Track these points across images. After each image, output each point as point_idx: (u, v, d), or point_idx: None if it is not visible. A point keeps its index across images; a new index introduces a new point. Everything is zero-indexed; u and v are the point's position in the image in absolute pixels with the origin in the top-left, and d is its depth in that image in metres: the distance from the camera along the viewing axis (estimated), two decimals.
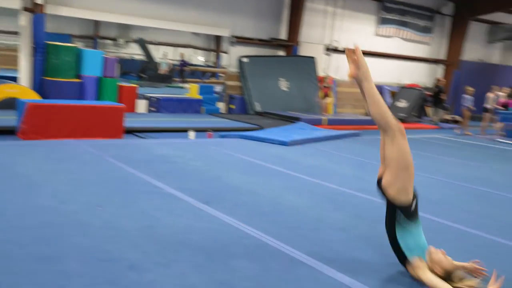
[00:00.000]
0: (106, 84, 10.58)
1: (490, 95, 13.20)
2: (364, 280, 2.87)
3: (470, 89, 12.96)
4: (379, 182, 2.97)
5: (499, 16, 18.32)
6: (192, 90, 12.80)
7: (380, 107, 2.88)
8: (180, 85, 15.06)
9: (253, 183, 5.12)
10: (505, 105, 13.79)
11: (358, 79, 2.93)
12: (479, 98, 13.46)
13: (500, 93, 13.81)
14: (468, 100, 12.90)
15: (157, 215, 3.76)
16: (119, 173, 5.04)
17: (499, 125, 12.91)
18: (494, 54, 19.42)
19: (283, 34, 13.93)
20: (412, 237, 2.88)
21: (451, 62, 17.35)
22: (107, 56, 10.98)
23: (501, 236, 3.98)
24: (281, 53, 14.08)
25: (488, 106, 13.10)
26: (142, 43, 15.22)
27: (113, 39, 15.56)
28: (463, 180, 6.23)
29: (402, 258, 2.90)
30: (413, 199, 2.93)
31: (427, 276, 2.76)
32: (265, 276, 2.84)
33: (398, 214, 2.89)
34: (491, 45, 19.04)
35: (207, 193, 4.53)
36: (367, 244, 3.51)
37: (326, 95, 13.05)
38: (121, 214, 3.72)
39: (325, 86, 13.05)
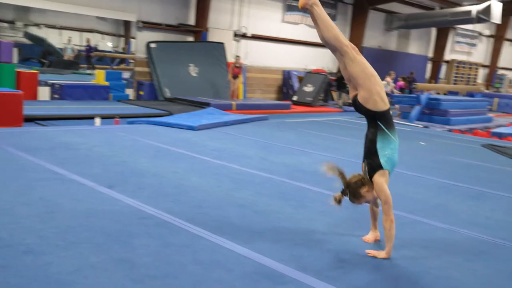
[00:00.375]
0: (2, 70, 9.95)
1: (388, 79, 14.21)
2: (258, 249, 3.09)
3: None
4: (354, 101, 3.18)
5: (395, 6, 19.64)
6: (98, 77, 12.41)
7: (333, 31, 3.10)
8: (88, 71, 14.49)
9: (158, 166, 5.18)
10: (402, 89, 14.93)
11: (309, 5, 3.11)
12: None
13: (389, 79, 14.99)
14: (386, 85, 13.79)
15: (57, 201, 3.72)
16: (17, 161, 4.86)
17: (396, 107, 13.96)
18: (392, 41, 20.79)
19: (191, 20, 13.90)
20: (390, 149, 3.10)
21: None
22: (2, 40, 10.31)
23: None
24: (190, 38, 14.05)
25: (387, 90, 14.10)
26: (30, 36, 14.33)
27: (11, 22, 14.53)
28: (359, 158, 6.70)
29: (375, 167, 3.09)
30: (389, 108, 3.16)
31: (385, 187, 3.06)
32: (165, 251, 2.96)
33: (379, 126, 3.10)
34: (389, 32, 20.37)
35: (110, 178, 4.53)
36: (264, 218, 3.75)
37: (237, 76, 13.22)
38: (17, 201, 3.63)
39: (236, 66, 13.22)
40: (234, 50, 14.70)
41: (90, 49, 15.43)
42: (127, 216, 3.52)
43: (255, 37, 15.34)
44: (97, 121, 8.20)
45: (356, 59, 3.09)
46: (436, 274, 2.93)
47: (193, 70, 13.30)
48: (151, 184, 4.47)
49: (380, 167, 3.09)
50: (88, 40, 15.39)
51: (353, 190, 3.14)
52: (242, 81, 14.24)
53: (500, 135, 11.07)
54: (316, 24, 3.17)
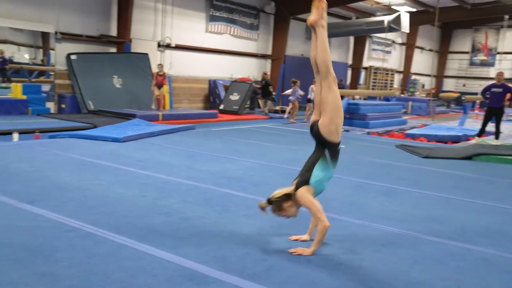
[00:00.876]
0: None
1: (313, 87, 14.80)
2: (183, 253, 3.20)
3: (297, 81, 14.40)
4: (313, 126, 3.38)
5: None
6: (15, 90, 11.88)
7: (327, 55, 3.30)
8: (3, 85, 13.80)
9: (82, 180, 5.13)
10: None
11: (317, 25, 3.32)
12: (304, 89, 14.96)
13: (313, 86, 15.62)
14: (295, 92, 14.27)
15: None
16: None
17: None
18: None
19: (113, 31, 13.70)
20: (324, 174, 3.33)
21: (277, 57, 18.87)
22: None
23: None
24: (113, 50, 13.84)
25: (311, 97, 14.68)
26: None
27: None
28: (282, 163, 7.01)
29: (304, 181, 3.31)
30: (339, 142, 3.39)
31: (312, 199, 3.28)
32: (89, 262, 2.99)
33: (326, 152, 3.35)
34: (310, 41, 21.12)
35: (31, 193, 4.44)
36: (189, 224, 3.87)
37: (161, 85, 12.70)
38: None
39: (159, 75, 12.65)
40: (158, 61, 14.66)
41: (4, 61, 14.70)
42: (50, 231, 3.50)
43: (179, 47, 15.38)
44: (15, 136, 7.89)
45: (332, 88, 3.33)
46: (349, 265, 3.20)
47: (117, 82, 13.10)
48: (75, 198, 4.43)
49: (307, 183, 3.32)
50: (1, 52, 14.67)
51: (276, 203, 3.36)
52: (168, 91, 14.15)
53: (413, 136, 11.89)
54: (314, 43, 3.37)
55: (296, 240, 3.59)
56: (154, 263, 3.04)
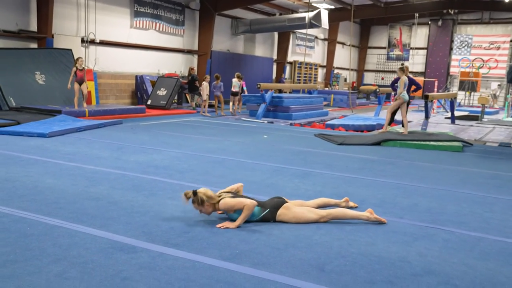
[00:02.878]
0: None
1: (235, 80, 15.29)
2: (113, 230, 3.55)
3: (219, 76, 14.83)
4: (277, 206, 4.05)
5: (239, 12, 21.00)
6: None
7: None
8: None
9: (9, 172, 5.26)
10: (236, 93, 16.11)
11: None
12: (229, 84, 15.41)
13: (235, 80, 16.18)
14: (218, 86, 14.69)
15: None
16: None
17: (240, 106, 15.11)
18: (239, 45, 22.16)
19: (33, 26, 13.39)
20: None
21: (203, 52, 19.19)
22: None
23: (221, 186, 5.14)
24: (34, 45, 13.52)
25: (235, 90, 15.18)
26: None
27: None
28: (207, 152, 7.43)
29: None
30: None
31: (231, 203, 3.82)
32: (24, 240, 3.27)
33: (263, 214, 3.98)
34: (236, 37, 21.69)
35: None
36: (118, 207, 4.20)
37: (82, 80, 11.84)
38: None
39: (79, 69, 11.65)
40: (83, 57, 14.50)
41: None
42: None
43: (104, 43, 15.27)
44: None
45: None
46: (260, 233, 3.70)
47: (39, 78, 12.84)
48: (4, 188, 4.60)
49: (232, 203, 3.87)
50: None
51: (200, 199, 3.81)
52: (88, 87, 13.93)
53: (333, 126, 12.74)
54: None
55: (221, 227, 4.02)
56: (86, 239, 3.37)
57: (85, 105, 12.12)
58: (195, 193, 3.82)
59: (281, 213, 3.99)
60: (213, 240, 3.48)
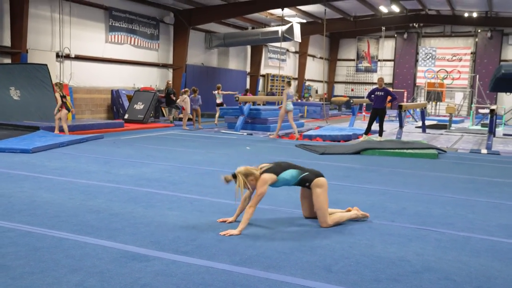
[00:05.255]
0: None
1: (216, 92, 15.51)
2: (121, 240, 3.63)
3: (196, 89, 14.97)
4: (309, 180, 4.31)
5: (213, 26, 21.22)
6: None
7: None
8: None
9: (2, 188, 5.24)
10: (221, 104, 16.31)
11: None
12: (205, 97, 15.55)
13: (215, 92, 16.41)
14: (195, 99, 14.80)
15: None
16: None
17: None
18: (213, 59, 22.35)
19: (7, 41, 13.22)
20: (290, 179, 4.27)
21: (178, 66, 19.27)
22: None
23: (219, 196, 5.26)
24: (7, 60, 13.34)
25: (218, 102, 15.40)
26: None
27: None
28: (194, 164, 7.53)
29: (274, 172, 4.15)
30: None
31: (266, 187, 4.07)
32: (36, 253, 3.31)
33: (303, 178, 4.30)
34: (210, 50, 21.87)
35: None
36: (120, 218, 4.26)
37: (63, 107, 11.56)
38: None
39: (61, 96, 11.15)
40: (58, 72, 14.39)
41: None
42: None
43: (79, 58, 15.18)
44: None
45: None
46: (264, 239, 3.84)
47: (14, 93, 12.66)
48: (0, 204, 4.59)
49: (276, 174, 4.12)
50: None
51: (244, 175, 4.03)
52: (70, 112, 13.73)
53: (310, 137, 13.00)
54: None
55: (223, 221, 4.21)
56: (97, 249, 3.43)
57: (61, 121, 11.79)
58: (234, 175, 4.04)
59: (317, 184, 4.26)
60: (221, 247, 3.59)
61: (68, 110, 11.08)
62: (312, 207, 4.38)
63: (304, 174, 4.26)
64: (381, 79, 12.28)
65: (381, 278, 3.12)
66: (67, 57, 14.78)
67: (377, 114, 12.23)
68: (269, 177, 4.11)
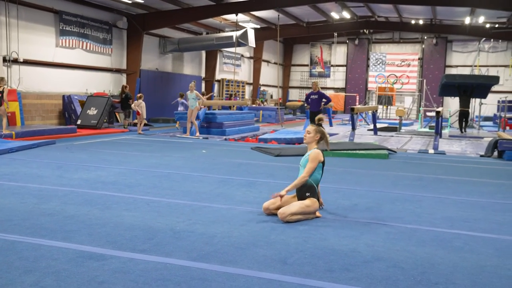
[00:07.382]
0: None
1: (179, 99, 15.46)
2: (77, 241, 3.60)
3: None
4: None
5: (167, 31, 21.11)
6: None
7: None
8: None
9: None
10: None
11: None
12: (160, 102, 15.45)
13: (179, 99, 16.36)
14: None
15: None
16: None
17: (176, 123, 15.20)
18: (167, 64, 22.20)
19: None
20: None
21: (132, 71, 19.02)
22: None
23: (176, 197, 5.29)
24: None
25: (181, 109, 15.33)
26: None
27: None
28: (150, 167, 7.49)
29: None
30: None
31: (319, 157, 4.71)
32: None
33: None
34: (164, 55, 21.72)
35: None
36: (75, 220, 4.22)
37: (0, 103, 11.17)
38: None
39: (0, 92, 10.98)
40: (5, 76, 13.90)
41: None
42: None
43: (28, 62, 14.73)
44: None
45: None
46: (221, 236, 3.91)
47: None
48: None
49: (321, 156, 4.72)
50: None
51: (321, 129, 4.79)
52: (7, 107, 13.22)
53: (265, 140, 13.16)
54: None
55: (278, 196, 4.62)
56: (52, 251, 3.40)
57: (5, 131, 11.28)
58: (319, 124, 4.82)
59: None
60: (178, 244, 3.64)
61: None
62: (284, 204, 4.57)
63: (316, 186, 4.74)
64: (315, 83, 12.63)
65: (334, 268, 3.27)
66: (15, 61, 14.32)
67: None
68: (320, 153, 4.71)
